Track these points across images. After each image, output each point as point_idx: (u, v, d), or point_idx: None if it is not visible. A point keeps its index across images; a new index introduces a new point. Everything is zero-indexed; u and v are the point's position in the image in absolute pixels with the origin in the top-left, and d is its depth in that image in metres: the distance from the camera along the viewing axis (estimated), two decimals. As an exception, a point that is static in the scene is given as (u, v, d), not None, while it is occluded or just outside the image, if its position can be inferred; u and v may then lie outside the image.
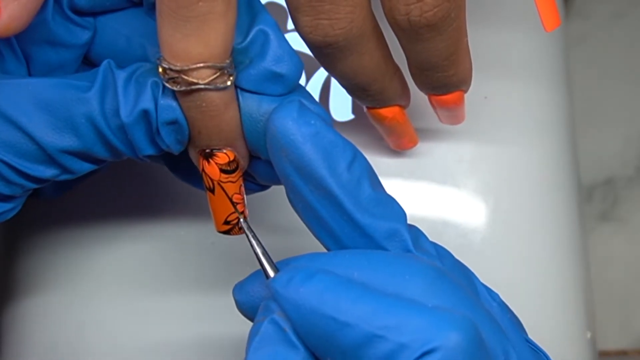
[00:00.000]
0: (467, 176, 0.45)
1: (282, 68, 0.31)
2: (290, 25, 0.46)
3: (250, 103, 0.32)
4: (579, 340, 0.44)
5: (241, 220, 0.33)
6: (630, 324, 0.65)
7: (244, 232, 0.33)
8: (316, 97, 0.45)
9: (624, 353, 0.64)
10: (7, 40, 0.33)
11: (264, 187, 0.35)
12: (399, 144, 0.43)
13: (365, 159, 0.31)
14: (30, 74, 0.34)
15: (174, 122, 0.31)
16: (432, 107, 0.40)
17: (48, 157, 0.32)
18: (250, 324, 0.30)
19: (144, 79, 0.31)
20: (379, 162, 0.44)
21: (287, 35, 0.45)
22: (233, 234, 0.34)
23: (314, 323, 0.28)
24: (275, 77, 0.31)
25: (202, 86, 0.30)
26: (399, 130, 0.41)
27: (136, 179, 0.44)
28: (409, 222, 0.32)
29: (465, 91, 0.39)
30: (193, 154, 0.33)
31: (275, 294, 0.29)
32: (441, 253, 0.32)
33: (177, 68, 0.29)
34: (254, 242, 0.32)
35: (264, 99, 0.32)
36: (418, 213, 0.44)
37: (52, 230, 0.44)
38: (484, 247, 0.44)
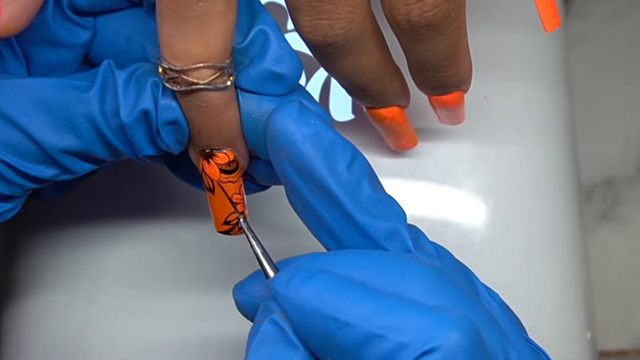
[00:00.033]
0: (467, 176, 0.45)
1: (282, 68, 0.31)
2: (290, 25, 0.46)
3: (250, 103, 0.32)
4: (579, 340, 0.44)
5: (241, 220, 0.33)
6: (630, 324, 0.65)
7: (244, 232, 0.33)
8: (316, 97, 0.45)
9: (624, 353, 0.64)
10: (7, 40, 0.33)
11: (264, 187, 0.35)
12: (398, 144, 0.43)
13: (365, 159, 0.31)
14: (30, 74, 0.34)
15: (173, 122, 0.31)
16: (432, 107, 0.40)
17: (48, 157, 0.32)
18: (250, 324, 0.30)
19: (144, 79, 0.31)
20: (379, 162, 0.44)
21: (287, 35, 0.45)
22: (233, 234, 0.34)
23: (314, 323, 0.28)
24: (275, 77, 0.31)
25: (202, 86, 0.30)
26: (398, 130, 0.41)
27: (136, 179, 0.44)
28: (409, 222, 0.32)
29: (465, 91, 0.39)
30: (193, 154, 0.33)
31: (275, 294, 0.29)
32: (441, 253, 0.32)
33: (177, 68, 0.29)
34: (253, 242, 0.32)
35: (264, 99, 0.32)
36: (418, 213, 0.44)
37: (52, 230, 0.44)
38: (484, 247, 0.44)
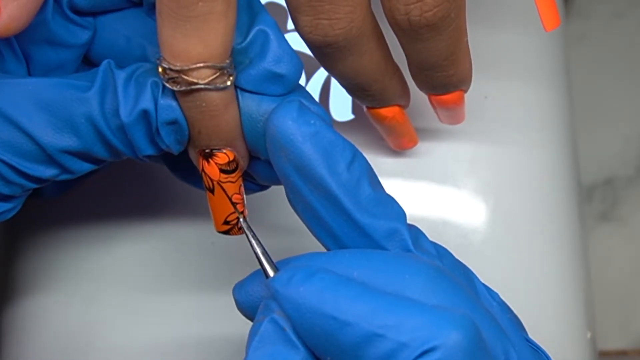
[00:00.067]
0: (467, 176, 0.45)
1: (282, 68, 0.31)
2: (290, 25, 0.46)
3: (250, 103, 0.32)
4: (579, 340, 0.44)
5: (241, 219, 0.33)
6: (630, 324, 0.65)
7: (244, 232, 0.33)
8: (316, 97, 0.45)
9: (624, 353, 0.64)
10: (7, 40, 0.33)
11: (264, 187, 0.35)
12: (398, 143, 0.43)
13: (364, 158, 0.31)
14: (30, 74, 0.34)
15: (173, 122, 0.31)
16: (432, 107, 0.40)
17: (48, 157, 0.32)
18: (250, 323, 0.30)
19: (144, 79, 0.31)
20: (379, 162, 0.44)
21: (287, 35, 0.45)
22: (232, 234, 0.34)
23: (313, 322, 0.28)
24: (275, 77, 0.31)
25: (202, 86, 0.30)
26: (398, 130, 0.41)
27: (136, 179, 0.44)
28: (408, 222, 0.32)
29: (465, 91, 0.39)
30: (193, 154, 0.33)
31: (275, 293, 0.29)
32: (441, 252, 0.32)
33: (177, 68, 0.29)
34: (253, 241, 0.32)
35: (264, 99, 0.32)
36: (418, 213, 0.44)
37: (52, 230, 0.44)
38: (484, 247, 0.44)
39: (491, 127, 0.45)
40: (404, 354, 0.27)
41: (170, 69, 0.30)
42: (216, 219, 0.33)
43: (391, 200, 0.32)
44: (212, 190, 0.33)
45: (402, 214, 0.32)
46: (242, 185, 0.33)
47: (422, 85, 0.38)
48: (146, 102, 0.31)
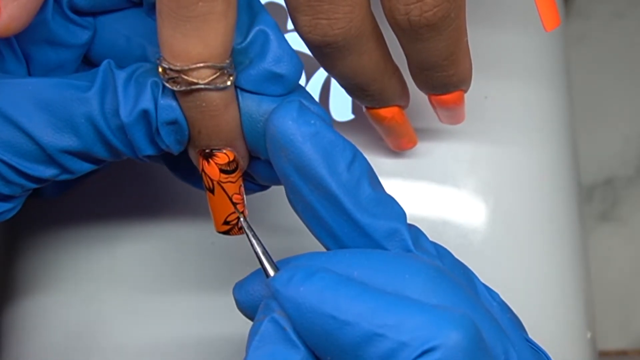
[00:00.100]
0: (467, 176, 0.45)
1: (282, 68, 0.31)
2: (290, 25, 0.46)
3: (250, 103, 0.32)
4: (579, 340, 0.44)
5: (241, 219, 0.33)
6: (630, 324, 0.64)
7: (244, 231, 0.33)
8: (316, 97, 0.45)
9: (624, 353, 0.64)
10: (7, 40, 0.33)
11: (264, 187, 0.35)
12: (398, 144, 0.43)
13: (365, 158, 0.31)
14: (30, 74, 0.34)
15: (173, 122, 0.31)
16: (432, 107, 0.40)
17: (48, 157, 0.32)
18: (250, 323, 0.30)
19: (144, 79, 0.31)
20: (379, 162, 0.44)
21: (287, 35, 0.45)
22: (232, 234, 0.34)
23: (314, 322, 0.28)
24: (275, 77, 0.31)
25: (202, 86, 0.30)
26: (398, 130, 0.41)
27: (136, 179, 0.44)
28: (408, 222, 0.32)
29: (465, 91, 0.39)
30: (193, 154, 0.33)
31: (275, 293, 0.29)
32: (441, 252, 0.32)
33: (177, 68, 0.29)
34: (254, 241, 0.32)
35: (264, 99, 0.32)
36: (418, 213, 0.44)
37: (52, 230, 0.44)
38: (484, 247, 0.44)
39: (491, 127, 0.45)
40: (404, 354, 0.27)
41: (170, 69, 0.30)
42: (216, 219, 0.33)
43: (391, 200, 0.32)
44: (212, 191, 0.33)
45: (402, 214, 0.32)
46: (242, 185, 0.33)
47: (422, 85, 0.38)
48: (146, 102, 0.31)
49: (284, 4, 0.41)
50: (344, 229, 0.31)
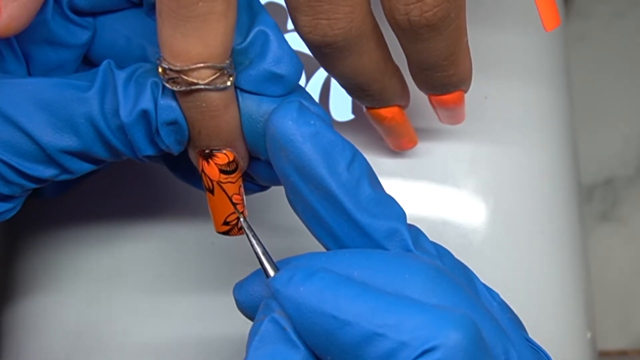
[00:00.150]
0: (467, 176, 0.45)
1: (282, 69, 0.31)
2: (290, 25, 0.46)
3: (250, 104, 0.32)
4: (579, 340, 0.44)
5: (241, 219, 0.33)
6: (630, 324, 0.64)
7: (244, 232, 0.33)
8: (316, 97, 0.45)
9: (624, 353, 0.64)
10: (7, 40, 0.33)
11: (264, 188, 0.35)
12: (398, 144, 0.43)
13: (364, 159, 0.31)
14: (30, 74, 0.34)
15: (173, 123, 0.31)
16: (432, 107, 0.40)
17: (48, 157, 0.32)
18: (251, 323, 0.30)
19: (144, 79, 0.31)
20: (379, 162, 0.44)
21: (287, 35, 0.45)
22: (232, 235, 0.34)
23: (314, 322, 0.28)
24: (275, 78, 0.31)
25: (202, 86, 0.30)
26: (398, 130, 0.41)
27: (136, 179, 0.44)
28: (408, 222, 0.32)
29: (465, 91, 0.39)
30: (192, 155, 0.33)
31: (275, 293, 0.29)
32: (441, 252, 0.32)
33: (177, 68, 0.29)
34: (254, 241, 0.32)
35: (264, 100, 0.32)
36: (418, 213, 0.44)
37: (52, 230, 0.44)
38: (484, 247, 0.44)
39: (491, 127, 0.45)
40: (404, 354, 0.27)
41: (170, 69, 0.30)
42: (216, 220, 0.33)
43: (391, 200, 0.32)
44: (211, 191, 0.33)
45: (402, 214, 0.32)
46: (242, 185, 0.33)
47: (422, 85, 0.38)
48: (146, 102, 0.31)
49: (284, 4, 0.41)
50: (344, 229, 0.31)
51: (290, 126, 0.30)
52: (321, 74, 0.46)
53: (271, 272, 0.31)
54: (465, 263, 0.33)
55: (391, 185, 0.44)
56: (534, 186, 0.45)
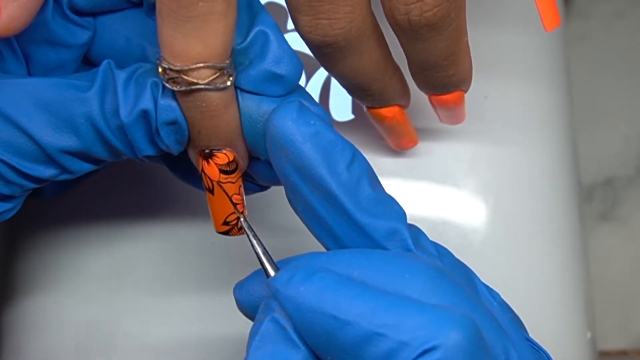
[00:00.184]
0: (467, 176, 0.45)
1: (282, 69, 0.31)
2: (290, 25, 0.46)
3: (250, 104, 0.32)
4: (579, 340, 0.44)
5: (241, 219, 0.33)
6: (630, 324, 0.64)
7: (244, 232, 0.33)
8: (316, 97, 0.45)
9: (624, 353, 0.64)
10: (7, 40, 0.33)
11: (264, 188, 0.35)
12: (398, 143, 0.43)
13: (364, 158, 0.31)
14: (30, 74, 0.34)
15: (173, 123, 0.31)
16: (432, 107, 0.40)
17: (47, 157, 0.32)
18: (251, 323, 0.30)
19: (144, 79, 0.31)
20: (379, 162, 0.44)
21: (287, 35, 0.45)
22: (232, 235, 0.34)
23: (314, 321, 0.28)
24: (275, 78, 0.31)
25: (202, 86, 0.30)
26: (399, 130, 0.41)
27: (136, 179, 0.44)
28: (408, 222, 0.32)
29: (466, 91, 0.39)
30: (192, 155, 0.33)
31: (275, 293, 0.29)
32: (441, 252, 0.32)
33: (177, 68, 0.29)
34: (254, 241, 0.32)
35: (264, 100, 0.32)
36: (418, 213, 0.44)
37: (52, 230, 0.44)
38: (484, 247, 0.44)
39: (491, 127, 0.46)
40: (404, 353, 0.27)
41: (170, 69, 0.30)
42: (216, 220, 0.33)
43: (391, 200, 0.32)
44: (211, 191, 0.33)
45: (402, 213, 0.32)
46: (242, 185, 0.33)
47: (422, 85, 0.38)
48: (146, 102, 0.31)
49: (284, 4, 0.41)
50: (344, 229, 0.31)
51: (290, 126, 0.30)
52: (321, 74, 0.46)
53: (271, 272, 0.31)
54: (465, 263, 0.33)
55: (391, 185, 0.44)
56: (534, 186, 0.45)
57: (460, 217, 0.44)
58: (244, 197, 0.33)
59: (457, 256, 0.33)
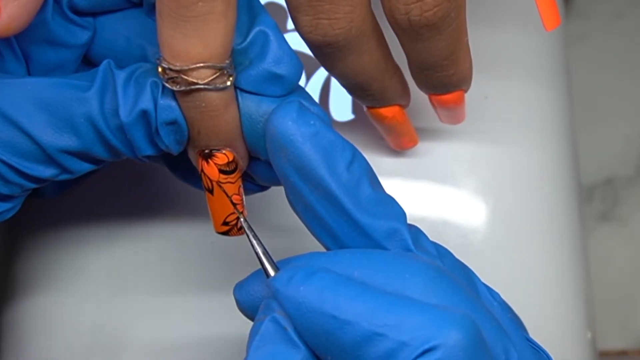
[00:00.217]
0: (467, 176, 0.45)
1: (282, 69, 0.31)
2: (290, 25, 0.46)
3: (250, 104, 0.32)
4: (579, 340, 0.44)
5: (241, 219, 0.33)
6: (630, 324, 0.64)
7: (244, 231, 0.33)
8: (316, 97, 0.45)
9: (624, 353, 0.64)
10: (7, 40, 0.33)
11: (264, 188, 0.35)
12: (399, 143, 0.43)
13: (364, 159, 0.31)
14: (30, 74, 0.34)
15: (173, 123, 0.31)
16: (432, 107, 0.40)
17: (47, 156, 0.32)
18: (251, 323, 0.30)
19: (144, 79, 0.31)
20: (379, 162, 0.44)
21: (287, 35, 0.45)
22: (232, 235, 0.34)
23: (314, 321, 0.28)
24: (275, 78, 0.31)
25: (202, 86, 0.30)
26: (399, 129, 0.41)
27: (136, 179, 0.44)
28: (408, 222, 0.32)
29: (466, 91, 0.39)
30: (192, 155, 0.33)
31: (275, 293, 0.29)
32: (441, 252, 0.32)
33: (177, 68, 0.29)
34: (254, 241, 0.32)
35: (264, 100, 0.32)
36: (418, 213, 0.44)
37: (52, 230, 0.44)
38: (484, 247, 0.44)
39: (491, 127, 0.46)
40: (404, 353, 0.27)
41: (170, 69, 0.30)
42: (215, 220, 0.33)
43: (391, 200, 0.32)
44: (211, 191, 0.33)
45: (402, 213, 0.32)
46: (242, 185, 0.33)
47: (422, 85, 0.38)
48: (146, 102, 0.31)
49: (284, 4, 0.41)
50: (344, 229, 0.31)
51: (290, 126, 0.30)
52: (321, 74, 0.46)
53: (271, 272, 0.31)
54: (465, 263, 0.33)
55: (391, 185, 0.44)
56: (534, 186, 0.45)
57: (460, 217, 0.44)
58: (244, 197, 0.33)
59: (457, 256, 0.33)
